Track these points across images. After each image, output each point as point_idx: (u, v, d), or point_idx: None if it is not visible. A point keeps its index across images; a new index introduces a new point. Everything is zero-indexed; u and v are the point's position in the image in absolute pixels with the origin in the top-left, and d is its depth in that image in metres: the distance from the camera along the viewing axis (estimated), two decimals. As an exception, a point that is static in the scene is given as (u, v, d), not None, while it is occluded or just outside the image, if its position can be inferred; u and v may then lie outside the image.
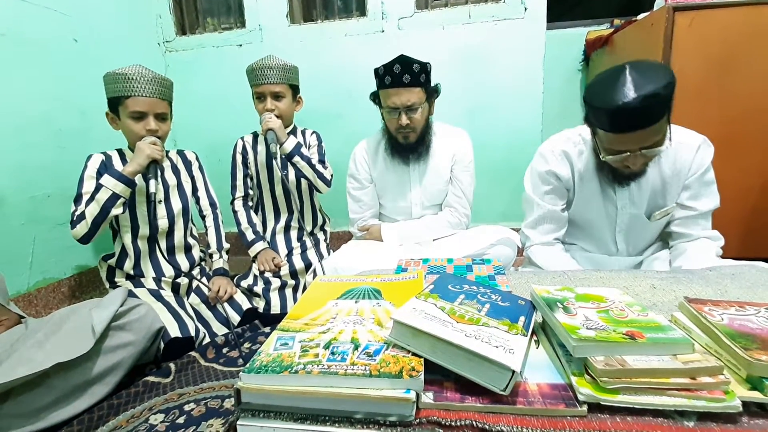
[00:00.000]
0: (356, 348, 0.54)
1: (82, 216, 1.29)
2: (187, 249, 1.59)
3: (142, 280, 1.46)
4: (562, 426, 0.45)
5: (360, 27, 2.13)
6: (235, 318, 1.48)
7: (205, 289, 1.50)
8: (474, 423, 0.47)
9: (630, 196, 1.14)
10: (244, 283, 1.58)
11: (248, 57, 1.65)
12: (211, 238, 1.63)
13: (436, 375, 0.52)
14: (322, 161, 1.70)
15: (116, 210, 1.31)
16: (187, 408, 1.04)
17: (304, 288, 1.62)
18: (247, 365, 0.52)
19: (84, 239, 1.31)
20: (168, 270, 1.50)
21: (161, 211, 1.49)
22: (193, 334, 1.31)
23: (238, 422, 0.51)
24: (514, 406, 0.48)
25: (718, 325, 0.55)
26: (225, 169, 1.78)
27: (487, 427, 0.46)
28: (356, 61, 2.12)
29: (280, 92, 1.61)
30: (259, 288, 1.57)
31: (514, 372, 0.47)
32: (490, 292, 0.67)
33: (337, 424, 0.49)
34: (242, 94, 1.76)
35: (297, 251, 1.74)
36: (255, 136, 1.78)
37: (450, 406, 0.49)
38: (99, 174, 1.38)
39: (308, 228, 1.83)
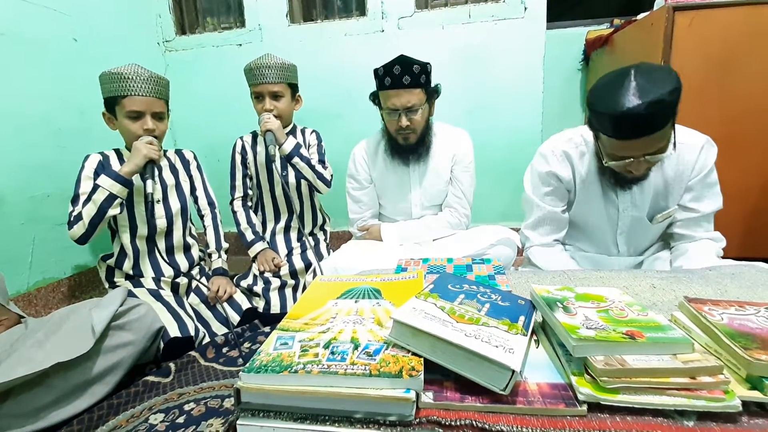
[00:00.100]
0: (356, 348, 0.54)
1: (79, 217, 1.29)
2: (186, 249, 1.59)
3: (142, 280, 1.46)
4: (562, 425, 0.45)
5: (360, 27, 2.13)
6: (235, 318, 1.47)
7: (204, 289, 1.49)
8: (474, 423, 0.47)
9: (632, 199, 1.12)
10: (244, 283, 1.58)
11: (248, 57, 1.64)
12: (210, 238, 1.63)
13: (436, 375, 0.52)
14: (321, 161, 1.69)
15: (113, 210, 1.31)
16: (186, 408, 1.05)
17: (304, 288, 1.62)
18: (247, 365, 0.52)
19: (81, 240, 1.31)
20: (167, 270, 1.50)
21: (159, 210, 1.48)
22: (192, 333, 1.31)
23: (237, 422, 0.51)
24: (514, 406, 0.48)
25: (718, 325, 0.55)
26: (224, 168, 1.78)
27: (486, 426, 0.46)
28: (356, 61, 2.12)
29: (279, 91, 1.60)
30: (258, 287, 1.57)
31: (513, 372, 0.47)
32: (490, 291, 0.67)
33: (336, 424, 0.49)
34: (242, 93, 1.75)
35: (297, 251, 1.73)
36: (254, 135, 1.77)
37: (450, 406, 0.49)
38: (96, 174, 1.37)
39: (308, 228, 1.83)
